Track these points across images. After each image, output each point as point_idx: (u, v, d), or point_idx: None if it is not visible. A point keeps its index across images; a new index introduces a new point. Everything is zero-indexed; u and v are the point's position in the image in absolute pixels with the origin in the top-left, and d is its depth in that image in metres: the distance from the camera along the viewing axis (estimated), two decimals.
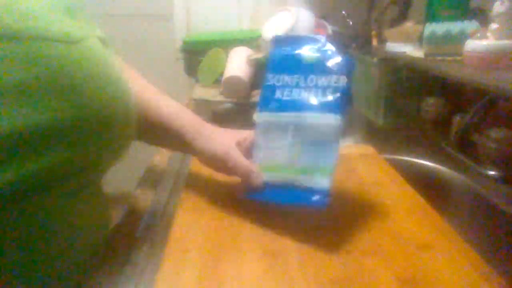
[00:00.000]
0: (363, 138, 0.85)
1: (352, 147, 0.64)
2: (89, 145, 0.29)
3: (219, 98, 1.08)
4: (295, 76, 0.43)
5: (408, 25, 0.93)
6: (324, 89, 0.41)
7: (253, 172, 0.42)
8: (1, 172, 0.23)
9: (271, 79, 0.45)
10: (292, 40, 0.46)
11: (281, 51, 0.46)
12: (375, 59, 0.89)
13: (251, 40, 1.26)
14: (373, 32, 1.07)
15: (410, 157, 0.67)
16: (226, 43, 1.25)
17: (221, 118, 0.95)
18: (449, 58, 0.71)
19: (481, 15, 0.76)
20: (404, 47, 0.86)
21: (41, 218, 0.28)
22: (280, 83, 0.44)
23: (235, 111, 0.98)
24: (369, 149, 0.62)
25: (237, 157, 0.43)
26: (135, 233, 0.43)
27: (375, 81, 0.89)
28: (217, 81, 1.18)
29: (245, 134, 0.46)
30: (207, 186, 0.50)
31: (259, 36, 1.24)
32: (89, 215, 0.35)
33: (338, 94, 0.40)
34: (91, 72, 0.29)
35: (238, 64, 1.13)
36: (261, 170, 0.43)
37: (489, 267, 0.34)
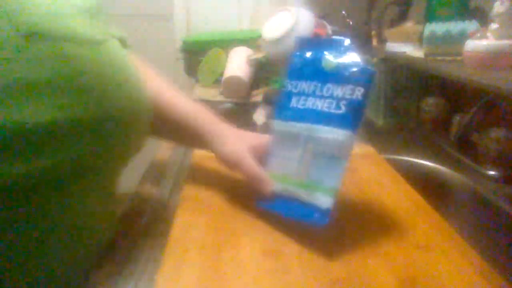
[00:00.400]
0: (363, 138, 0.85)
1: None
2: (108, 140, 0.30)
3: (219, 98, 1.08)
4: (313, 83, 0.41)
5: (408, 25, 0.93)
6: (339, 101, 0.38)
7: (263, 181, 0.42)
8: (24, 163, 0.24)
9: (289, 85, 0.43)
10: (314, 42, 0.43)
11: (302, 55, 0.43)
12: (375, 59, 0.89)
13: (251, 40, 1.26)
14: (373, 32, 1.07)
15: (410, 157, 0.67)
16: (226, 43, 1.25)
17: (221, 118, 0.94)
18: (449, 58, 0.71)
19: (481, 15, 0.76)
20: (404, 47, 0.86)
21: (55, 213, 0.29)
22: (297, 90, 0.42)
23: (235, 111, 0.98)
24: (369, 149, 0.62)
25: (250, 164, 0.43)
26: (135, 233, 0.43)
27: (375, 81, 0.89)
28: (217, 81, 1.18)
29: (262, 140, 0.46)
30: (207, 186, 0.50)
31: (259, 36, 1.23)
32: (99, 213, 0.36)
33: (351, 108, 0.37)
34: (110, 72, 0.30)
35: (238, 64, 1.13)
36: (271, 178, 0.42)
37: (489, 267, 0.34)
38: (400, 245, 0.37)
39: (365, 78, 0.37)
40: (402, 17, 1.03)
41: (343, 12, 1.19)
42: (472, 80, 0.57)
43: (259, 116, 0.81)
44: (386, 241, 0.38)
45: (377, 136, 0.81)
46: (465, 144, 0.66)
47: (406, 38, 0.88)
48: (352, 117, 0.38)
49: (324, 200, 0.38)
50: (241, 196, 0.47)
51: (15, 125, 0.23)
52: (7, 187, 0.24)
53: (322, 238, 0.38)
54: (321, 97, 0.40)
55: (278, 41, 1.16)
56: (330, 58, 0.40)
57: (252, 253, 0.36)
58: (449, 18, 0.76)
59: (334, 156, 0.38)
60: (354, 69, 0.38)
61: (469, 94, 0.72)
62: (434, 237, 0.38)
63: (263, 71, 1.22)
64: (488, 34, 0.60)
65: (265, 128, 0.74)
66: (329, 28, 1.16)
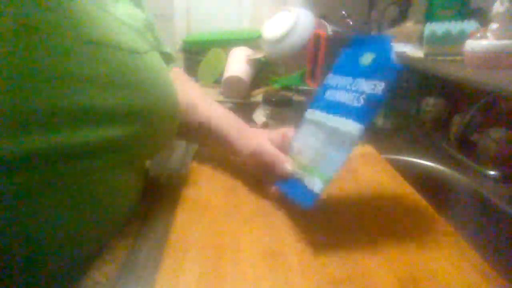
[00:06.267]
0: (363, 138, 0.85)
1: None
2: (142, 126, 0.37)
3: (219, 98, 1.08)
4: (347, 78, 0.42)
5: (408, 25, 0.93)
6: (360, 95, 0.39)
7: (283, 161, 0.46)
8: (75, 135, 0.30)
9: (330, 79, 0.45)
10: (365, 40, 0.43)
11: (349, 52, 0.44)
12: None
13: (251, 40, 1.27)
14: (373, 32, 1.07)
15: (410, 157, 0.67)
16: (226, 43, 1.25)
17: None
18: (449, 58, 0.71)
19: (481, 15, 0.77)
20: (404, 47, 0.86)
21: (91, 181, 0.34)
22: (334, 84, 0.43)
23: (235, 111, 0.98)
24: (369, 149, 0.62)
25: (270, 149, 0.48)
26: (135, 233, 0.43)
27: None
28: (217, 81, 1.18)
29: (276, 132, 0.51)
30: (207, 186, 0.50)
31: (259, 36, 1.23)
32: (128, 187, 0.41)
33: (368, 102, 0.37)
34: (147, 75, 0.38)
35: (238, 64, 1.13)
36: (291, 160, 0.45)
37: (489, 267, 0.34)
38: (400, 245, 0.37)
39: (387, 74, 0.37)
40: (402, 17, 1.03)
41: (343, 12, 1.19)
42: (472, 80, 0.57)
43: (259, 116, 0.81)
44: (386, 241, 0.38)
45: (377, 136, 0.81)
46: (465, 144, 0.66)
47: (406, 38, 0.88)
48: (367, 111, 0.38)
49: (315, 185, 0.39)
50: (241, 196, 0.48)
51: (78, 105, 0.30)
52: (62, 154, 0.30)
53: (322, 238, 0.38)
54: (349, 90, 0.40)
55: (278, 41, 1.17)
56: (367, 55, 0.41)
57: (252, 253, 0.36)
58: (449, 18, 0.76)
59: (339, 146, 0.38)
60: (381, 65, 0.38)
61: (469, 94, 0.72)
62: (434, 237, 0.38)
63: (263, 71, 1.22)
64: (488, 34, 0.60)
65: (265, 128, 0.74)
66: (329, 28, 1.16)
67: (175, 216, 0.43)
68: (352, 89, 0.40)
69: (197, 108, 0.54)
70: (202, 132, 0.54)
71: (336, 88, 0.43)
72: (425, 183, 0.61)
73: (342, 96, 0.41)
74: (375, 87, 0.37)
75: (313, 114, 0.45)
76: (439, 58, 0.73)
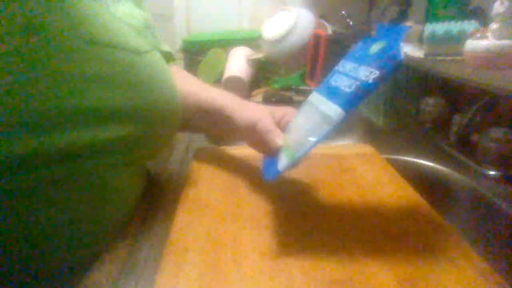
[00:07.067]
0: (363, 138, 0.85)
1: (352, 147, 0.64)
2: (144, 126, 0.37)
3: None
4: (354, 64, 0.40)
5: (408, 25, 0.93)
6: (355, 81, 0.37)
7: (274, 134, 0.45)
8: (77, 134, 0.31)
9: (340, 64, 0.43)
10: (386, 29, 0.41)
11: (365, 40, 0.43)
12: None
13: (251, 40, 1.27)
14: (373, 32, 1.07)
15: (410, 157, 0.67)
16: (226, 43, 1.25)
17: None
18: (449, 58, 0.71)
19: (481, 15, 0.77)
20: (404, 47, 0.86)
21: (91, 181, 0.34)
22: (341, 70, 0.42)
23: None
24: (369, 149, 0.62)
25: (268, 123, 0.47)
26: (135, 233, 0.43)
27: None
28: (217, 81, 1.18)
29: (279, 109, 0.50)
30: (207, 186, 0.50)
31: (259, 36, 1.24)
32: (128, 188, 0.42)
33: (358, 89, 0.36)
34: (148, 75, 0.38)
35: (238, 64, 1.14)
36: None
37: (489, 267, 0.34)
38: (400, 245, 0.37)
39: (386, 63, 0.35)
40: (402, 17, 1.03)
41: (343, 12, 1.19)
42: (472, 80, 0.57)
43: None
44: (386, 241, 0.38)
45: (377, 136, 0.82)
46: (465, 144, 0.66)
47: (406, 38, 0.88)
48: (353, 98, 0.36)
49: (281, 162, 0.39)
50: (241, 196, 0.48)
51: (79, 105, 0.31)
52: (64, 154, 0.30)
53: (322, 238, 0.38)
54: (349, 76, 0.39)
55: (278, 41, 1.17)
56: (378, 43, 0.39)
57: (252, 253, 0.36)
58: (449, 18, 0.76)
59: (318, 129, 0.37)
60: (384, 54, 0.37)
61: (469, 94, 0.72)
62: (434, 237, 0.38)
63: (263, 71, 1.22)
64: (488, 34, 0.60)
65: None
66: (329, 28, 1.16)
67: (175, 216, 0.43)
68: (351, 75, 0.38)
69: (198, 94, 0.55)
70: (201, 110, 0.54)
71: (340, 73, 0.41)
72: (425, 183, 0.62)
73: (341, 81, 0.39)
74: (370, 74, 0.35)
75: (313, 96, 0.44)
76: (439, 58, 0.73)
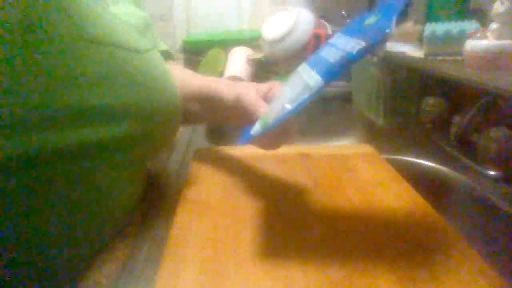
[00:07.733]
0: (363, 138, 0.85)
1: (352, 147, 0.64)
2: (144, 125, 0.37)
3: None
4: (346, 37, 0.38)
5: (408, 25, 0.93)
6: (342, 52, 0.35)
7: (260, 105, 0.44)
8: (75, 133, 0.30)
9: (334, 38, 0.41)
10: (388, 5, 0.38)
11: (364, 15, 0.41)
12: (375, 59, 0.89)
13: (251, 40, 1.27)
14: None
15: (410, 157, 0.67)
16: (226, 43, 1.25)
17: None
18: (449, 58, 0.71)
19: (481, 15, 0.76)
20: (404, 47, 0.86)
21: (92, 181, 0.34)
22: (333, 42, 0.40)
23: None
24: (369, 149, 0.62)
25: (253, 95, 0.47)
26: (135, 233, 0.43)
27: (375, 81, 0.89)
28: None
29: (264, 84, 0.50)
30: (207, 186, 0.50)
31: (259, 36, 1.24)
32: (127, 188, 0.42)
33: (340, 59, 0.34)
34: (148, 74, 0.39)
35: (238, 64, 1.14)
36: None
37: (489, 267, 0.34)
38: (400, 245, 0.37)
39: (373, 35, 0.34)
40: (402, 17, 1.03)
41: (343, 12, 1.19)
42: (472, 80, 0.57)
43: None
44: (386, 241, 0.38)
45: (377, 136, 0.82)
46: (465, 144, 0.66)
47: (406, 38, 0.88)
48: (334, 67, 0.35)
49: (254, 128, 0.40)
50: (241, 196, 0.48)
51: (79, 104, 0.31)
52: (63, 154, 0.30)
53: (322, 238, 0.39)
54: (337, 48, 0.37)
55: (278, 41, 1.17)
56: (372, 17, 0.38)
57: (252, 253, 0.36)
58: (449, 18, 0.76)
59: (296, 97, 0.36)
60: (374, 26, 0.35)
61: (469, 94, 0.72)
62: (434, 237, 0.38)
63: (263, 71, 1.22)
64: (488, 34, 0.60)
65: None
66: (329, 28, 1.16)
67: (175, 216, 0.43)
68: (339, 47, 0.37)
69: (186, 81, 0.56)
70: (194, 98, 0.55)
71: (332, 45, 0.40)
72: (425, 183, 0.61)
73: (329, 52, 0.38)
74: (355, 45, 0.34)
75: (301, 66, 0.42)
76: (439, 58, 0.73)
